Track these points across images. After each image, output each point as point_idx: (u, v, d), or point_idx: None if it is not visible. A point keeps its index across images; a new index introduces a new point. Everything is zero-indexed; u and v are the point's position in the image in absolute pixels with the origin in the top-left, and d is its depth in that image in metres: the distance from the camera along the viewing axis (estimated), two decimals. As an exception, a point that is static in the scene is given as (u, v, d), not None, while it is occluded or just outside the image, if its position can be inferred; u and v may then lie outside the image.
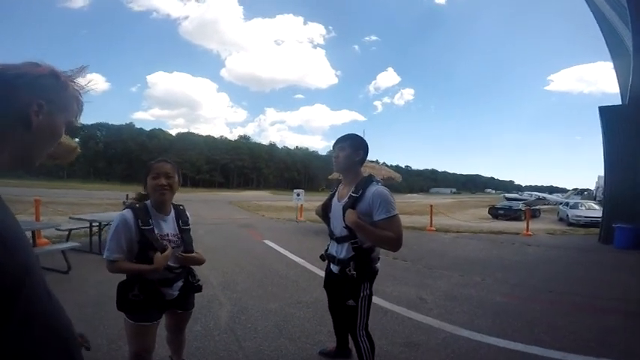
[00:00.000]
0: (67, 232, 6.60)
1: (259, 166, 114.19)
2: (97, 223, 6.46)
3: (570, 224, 15.88)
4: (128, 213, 1.79)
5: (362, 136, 2.26)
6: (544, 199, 35.32)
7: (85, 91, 0.81)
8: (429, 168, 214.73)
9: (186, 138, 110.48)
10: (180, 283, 1.94)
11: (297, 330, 3.30)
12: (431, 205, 12.94)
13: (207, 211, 17.07)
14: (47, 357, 0.66)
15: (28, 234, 5.60)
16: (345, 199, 2.14)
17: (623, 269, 6.62)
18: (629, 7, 9.06)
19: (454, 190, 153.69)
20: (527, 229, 11.30)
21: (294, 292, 4.48)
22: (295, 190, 14.32)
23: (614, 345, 3.20)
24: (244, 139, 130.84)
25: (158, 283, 1.83)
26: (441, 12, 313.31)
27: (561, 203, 23.01)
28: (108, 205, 15.30)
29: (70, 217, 7.38)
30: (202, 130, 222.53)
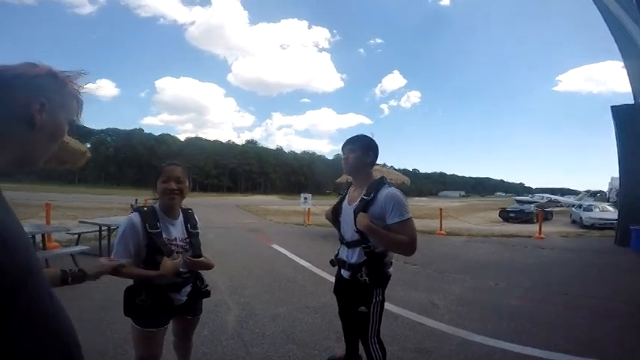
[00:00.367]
0: (76, 236, 6.66)
1: (267, 171, 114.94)
2: (107, 227, 6.49)
3: (584, 226, 15.57)
4: (136, 217, 1.76)
5: (372, 137, 2.19)
6: (556, 201, 34.71)
7: (83, 90, 0.81)
8: (437, 171, 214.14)
9: (195, 143, 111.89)
10: (188, 288, 1.90)
11: (306, 335, 3.24)
12: (440, 209, 12.78)
13: (216, 215, 17.13)
14: (47, 358, 0.66)
15: (39, 237, 5.65)
16: (356, 202, 2.07)
17: (641, 272, 6.43)
18: (637, 5, 8.88)
19: (463, 193, 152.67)
20: (540, 232, 11.08)
21: (302, 297, 4.42)
22: (302, 195, 14.31)
23: (634, 349, 3.09)
24: (252, 144, 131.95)
25: (166, 288, 1.80)
26: (445, 13, 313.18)
27: (574, 205, 22.63)
28: (118, 210, 15.41)
29: (79, 221, 7.46)
30: (210, 134, 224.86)
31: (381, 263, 2.06)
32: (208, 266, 1.94)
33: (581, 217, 16.75)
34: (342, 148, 2.19)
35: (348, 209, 2.15)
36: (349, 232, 2.12)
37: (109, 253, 5.73)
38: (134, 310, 1.77)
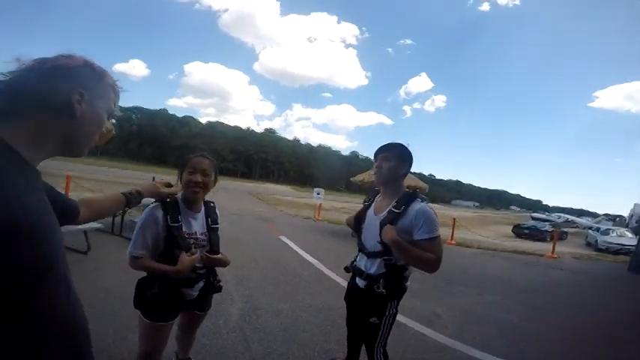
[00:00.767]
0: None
1: (281, 160, 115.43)
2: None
3: (598, 250, 15.23)
4: (157, 209, 1.72)
5: (407, 147, 2.05)
6: (572, 221, 33.89)
7: (119, 83, 0.85)
8: (454, 179, 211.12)
9: (215, 127, 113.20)
10: (201, 284, 1.87)
11: (307, 335, 3.24)
12: (454, 219, 12.59)
13: (228, 200, 17.27)
14: (57, 356, 0.68)
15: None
16: (384, 213, 1.99)
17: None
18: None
19: (477, 203, 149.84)
20: (553, 252, 10.83)
21: (307, 295, 4.43)
22: (315, 189, 14.38)
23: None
24: (270, 133, 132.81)
25: (179, 283, 1.76)
26: (484, 19, 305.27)
27: (591, 228, 22.07)
28: (136, 186, 15.73)
29: (97, 196, 7.61)
30: (231, 120, 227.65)
31: (400, 277, 2.00)
32: (225, 263, 1.91)
33: (596, 240, 16.40)
34: (375, 154, 2.08)
35: (373, 219, 2.06)
36: (371, 242, 2.05)
37: (122, 231, 5.80)
38: (145, 303, 1.75)
